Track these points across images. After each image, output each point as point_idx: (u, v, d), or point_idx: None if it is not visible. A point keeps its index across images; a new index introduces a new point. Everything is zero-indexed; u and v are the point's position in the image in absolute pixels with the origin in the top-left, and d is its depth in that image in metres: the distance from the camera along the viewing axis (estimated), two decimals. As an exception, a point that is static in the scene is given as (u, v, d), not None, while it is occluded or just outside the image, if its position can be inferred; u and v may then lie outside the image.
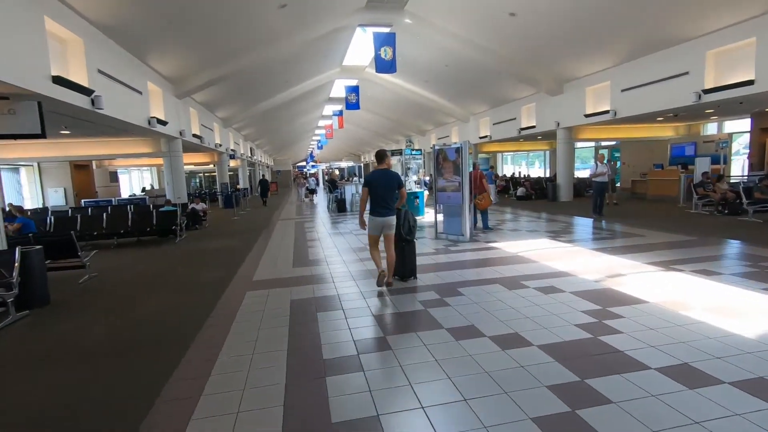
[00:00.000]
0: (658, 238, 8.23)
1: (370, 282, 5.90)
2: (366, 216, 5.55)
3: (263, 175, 19.31)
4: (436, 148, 9.08)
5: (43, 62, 6.65)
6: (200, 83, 13.84)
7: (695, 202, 12.18)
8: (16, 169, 16.82)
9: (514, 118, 20.07)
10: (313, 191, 24.58)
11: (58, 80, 6.90)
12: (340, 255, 7.96)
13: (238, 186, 29.84)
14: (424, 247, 8.25)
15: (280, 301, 5.20)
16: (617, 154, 22.31)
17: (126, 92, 9.86)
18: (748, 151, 16.38)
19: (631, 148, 21.45)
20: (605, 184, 11.84)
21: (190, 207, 13.72)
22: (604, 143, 24.11)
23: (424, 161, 13.15)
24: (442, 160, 8.95)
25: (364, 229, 5.56)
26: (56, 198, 17.23)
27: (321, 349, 3.69)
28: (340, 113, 29.88)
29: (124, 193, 23.00)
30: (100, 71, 8.48)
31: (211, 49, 12.17)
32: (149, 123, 11.23)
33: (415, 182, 13.06)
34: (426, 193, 13.60)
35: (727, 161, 15.80)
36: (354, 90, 22.47)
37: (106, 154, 14.68)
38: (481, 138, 23.79)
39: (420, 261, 7.00)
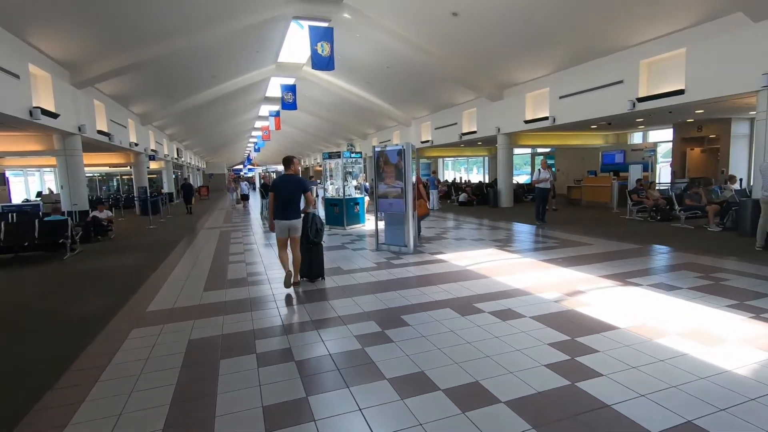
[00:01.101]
0: (605, 247, 7.96)
1: (295, 311, 4.85)
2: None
3: (186, 179, 17.16)
4: (377, 150, 8.21)
5: None
6: (104, 71, 11.88)
7: (630, 208, 12.41)
8: None
9: (455, 123, 19.87)
10: (245, 197, 22.58)
11: None
12: (266, 272, 6.79)
13: (162, 190, 27.08)
14: (364, 261, 7.31)
15: (174, 342, 3.98)
16: (551, 161, 22.98)
17: (-4, 74, 7.94)
18: (669, 159, 17.36)
19: (565, 155, 22.16)
20: (548, 190, 11.68)
21: (91, 215, 11.69)
22: (539, 150, 24.82)
23: (365, 165, 12.21)
24: (383, 163, 8.09)
25: (274, 232, 5.76)
26: None
27: (214, 425, 2.60)
28: (277, 114, 28.22)
29: (18, 198, 19.74)
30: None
31: (115, 31, 10.38)
32: (31, 114, 9.24)
33: (355, 188, 12.11)
34: (367, 199, 12.71)
35: (653, 169, 16.59)
36: (291, 89, 21.14)
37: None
38: (423, 143, 23.44)
39: (359, 278, 6.10)
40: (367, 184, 13.10)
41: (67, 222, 9.17)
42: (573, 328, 3.96)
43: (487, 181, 26.15)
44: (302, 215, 5.78)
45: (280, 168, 27.57)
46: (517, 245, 8.62)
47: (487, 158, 29.43)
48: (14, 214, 11.45)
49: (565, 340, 3.71)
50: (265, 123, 34.00)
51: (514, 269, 6.42)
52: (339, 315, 4.58)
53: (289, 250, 5.82)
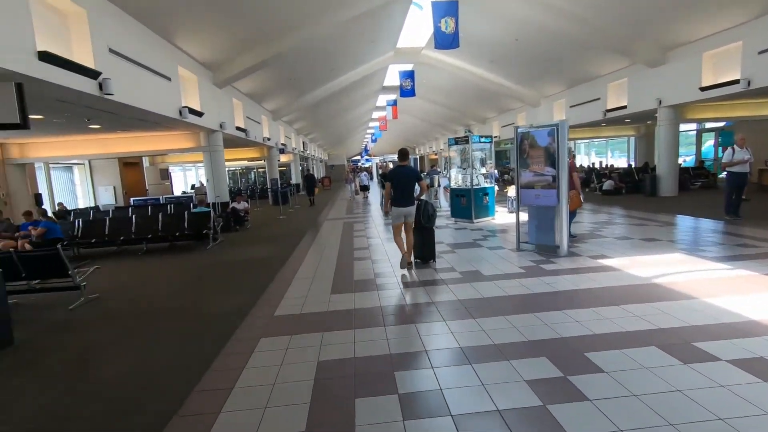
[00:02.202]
0: None
1: (437, 332, 3.96)
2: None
3: (309, 170, 17.59)
4: (520, 131, 6.87)
5: (25, 35, 5.36)
6: (239, 70, 12.52)
7: None
8: (69, 168, 16.81)
9: (598, 99, 16.99)
10: (365, 188, 21.92)
11: (47, 57, 5.60)
12: (395, 272, 6.07)
13: (290, 181, 29.03)
14: (506, 264, 6.12)
15: (302, 362, 3.40)
16: (728, 138, 18.38)
17: (149, 77, 8.61)
18: None
19: (752, 130, 17.47)
20: (745, 176, 8.88)
21: (231, 206, 12.51)
22: (709, 125, 20.16)
23: (492, 151, 10.86)
24: (529, 147, 6.73)
25: (387, 217, 6.45)
26: (106, 196, 17.04)
27: None
28: (394, 103, 28.01)
29: (178, 191, 22.78)
30: (112, 51, 7.20)
31: (246, 30, 10.72)
32: (180, 114, 10.00)
33: (483, 176, 10.83)
34: (495, 188, 11.33)
35: None
36: (409, 75, 20.47)
37: (146, 150, 13.97)
38: (554, 124, 20.77)
39: (507, 288, 4.99)
40: (495, 171, 11.67)
41: (210, 214, 9.72)
42: None
43: (633, 165, 22.21)
44: (416, 202, 6.21)
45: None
46: (712, 249, 6.50)
47: (633, 139, 25.10)
48: (172, 206, 12.85)
49: None
50: (383, 113, 34.21)
51: (730, 287, 4.61)
52: (495, 343, 3.54)
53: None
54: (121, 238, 9.22)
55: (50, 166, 14.72)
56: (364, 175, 22.82)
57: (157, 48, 9.04)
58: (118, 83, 7.12)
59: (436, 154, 47.43)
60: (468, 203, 10.45)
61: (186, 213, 9.86)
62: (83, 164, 16.85)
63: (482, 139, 10.60)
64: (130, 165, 18.24)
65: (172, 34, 9.47)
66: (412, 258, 6.30)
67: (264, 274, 6.56)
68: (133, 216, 9.86)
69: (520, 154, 6.88)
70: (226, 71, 12.53)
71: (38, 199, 13.39)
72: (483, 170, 10.86)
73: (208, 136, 12.87)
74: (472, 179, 10.36)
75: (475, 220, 10.39)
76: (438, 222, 11.11)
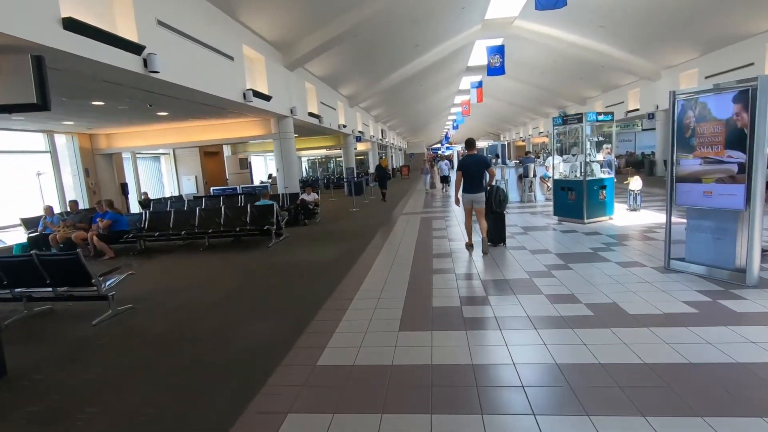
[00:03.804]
0: None
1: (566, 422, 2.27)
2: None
3: (382, 158, 15.62)
4: (681, 101, 4.70)
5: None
6: (311, 48, 11.45)
7: None
8: (157, 158, 17.41)
9: (752, 64, 13.25)
10: (446, 178, 18.42)
11: (73, 25, 4.76)
12: (488, 298, 4.40)
13: (368, 171, 28.16)
14: (658, 296, 4.11)
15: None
16: None
17: (208, 56, 7.77)
18: None
19: None
20: None
21: (300, 198, 11.62)
22: None
23: (614, 132, 8.51)
24: (695, 119, 4.56)
25: (459, 206, 6.64)
26: (189, 186, 17.40)
27: None
28: (479, 84, 25.60)
29: (258, 181, 22.96)
30: (160, 23, 6.35)
31: (317, 2, 9.51)
32: (245, 97, 9.14)
33: (600, 165, 8.52)
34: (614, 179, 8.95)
35: None
36: (498, 51, 18.07)
37: (218, 138, 13.67)
38: (680, 100, 17.03)
39: (676, 339, 2.99)
40: (612, 157, 9.23)
41: (273, 207, 8.78)
42: None
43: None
44: (487, 188, 6.40)
45: (481, 144, 24.57)
46: None
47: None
48: (243, 196, 12.32)
49: None
50: (465, 97, 31.81)
51: None
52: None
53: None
54: (183, 232, 8.64)
55: (137, 156, 15.21)
56: (444, 163, 19.60)
57: (217, 23, 8.18)
58: (166, 60, 6.27)
59: (523, 141, 43.63)
60: (578, 199, 8.28)
61: (249, 206, 9.03)
62: (168, 154, 17.36)
63: (600, 117, 8.27)
64: (210, 155, 18.51)
65: (236, 8, 8.56)
66: (487, 245, 6.41)
67: (321, 286, 5.28)
68: (197, 209, 9.28)
69: (679, 132, 4.73)
70: (297, 51, 11.55)
71: (124, 188, 13.79)
72: (599, 156, 8.55)
73: (278, 122, 12.06)
74: (585, 168, 8.15)
75: (587, 221, 8.21)
76: (537, 221, 9.11)
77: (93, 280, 4.53)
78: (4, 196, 11.03)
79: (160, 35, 6.34)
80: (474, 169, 6.25)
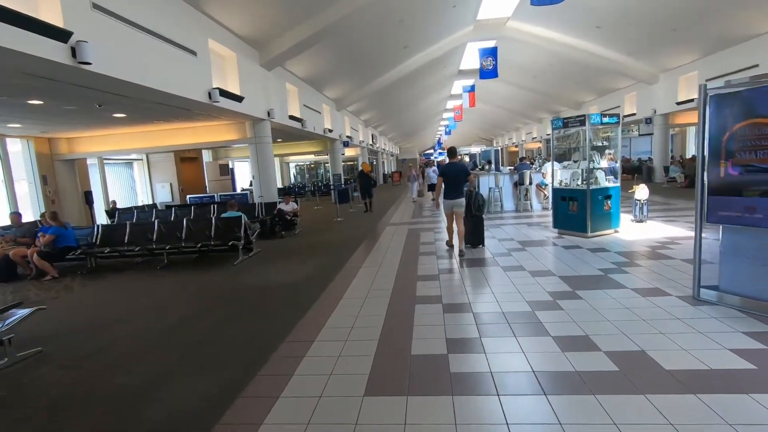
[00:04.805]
0: None
1: None
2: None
3: (362, 166, 14.47)
4: (715, 90, 3.86)
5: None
6: (289, 46, 10.56)
7: None
8: (129, 164, 16.36)
9: (756, 65, 12.59)
10: (434, 186, 17.20)
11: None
12: (482, 339, 3.49)
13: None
14: (695, 340, 3.23)
15: None
16: None
17: (162, 49, 6.83)
18: None
19: None
20: None
21: (277, 208, 10.66)
22: None
23: (618, 135, 7.67)
24: (734, 118, 3.71)
25: (438, 210, 8.11)
26: (163, 194, 16.36)
27: None
28: (472, 88, 24.88)
29: (240, 188, 21.94)
30: (96, 6, 5.40)
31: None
32: (210, 97, 8.20)
33: (602, 171, 7.68)
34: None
35: None
36: (491, 53, 17.38)
37: (191, 143, 12.65)
38: (678, 104, 16.43)
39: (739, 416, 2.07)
40: (616, 164, 8.39)
41: (241, 219, 7.83)
42: None
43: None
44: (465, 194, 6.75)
45: (474, 150, 23.73)
46: None
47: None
48: (215, 205, 11.34)
49: None
50: (458, 102, 31.10)
51: None
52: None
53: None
54: (137, 248, 7.63)
55: (105, 162, 14.16)
56: (432, 170, 18.70)
57: (176, 12, 7.26)
58: (104, 51, 5.33)
59: (516, 146, 43.05)
60: (581, 210, 7.43)
61: (213, 219, 8.06)
62: (141, 160, 16.32)
63: (605, 120, 7.44)
64: (187, 160, 17.49)
65: (199, -3, 7.65)
66: (463, 246, 6.82)
67: (280, 319, 4.35)
68: (155, 221, 8.28)
69: (712, 134, 3.87)
70: (274, 49, 10.65)
71: (88, 197, 12.72)
72: (603, 162, 7.72)
73: (254, 125, 11.13)
74: (588, 175, 7.31)
75: (591, 234, 7.36)
76: (535, 234, 8.24)
77: (-21, 322, 3.54)
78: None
79: (96, 21, 5.39)
80: (455, 176, 6.61)
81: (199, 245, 7.50)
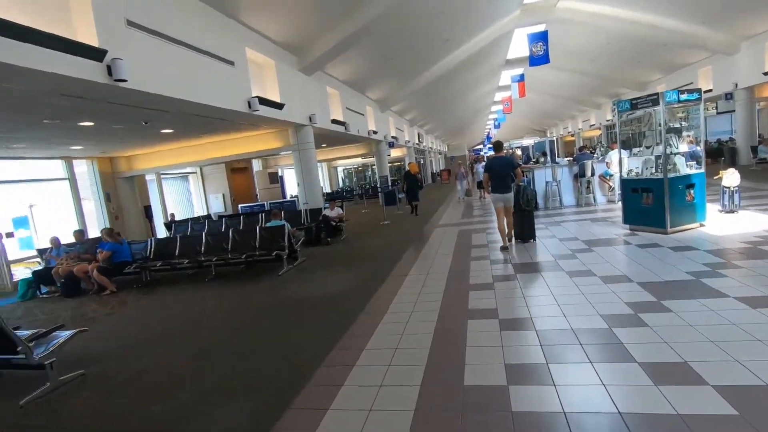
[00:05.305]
0: None
1: None
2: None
3: (409, 167, 13.50)
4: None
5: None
6: (328, 48, 10.37)
7: None
8: (185, 177, 17.09)
9: None
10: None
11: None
12: (549, 366, 2.91)
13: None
14: None
15: None
16: None
17: (199, 60, 6.80)
18: None
19: None
20: None
21: (322, 214, 10.49)
22: None
23: (702, 115, 6.60)
24: None
25: (485, 200, 7.84)
26: (217, 204, 16.89)
27: None
28: (521, 78, 23.59)
29: (289, 195, 22.26)
30: (130, 23, 5.41)
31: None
32: (250, 106, 8.14)
33: (681, 157, 6.65)
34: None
35: None
36: (541, 38, 16.29)
37: (236, 154, 12.83)
38: (765, 74, 14.38)
39: None
40: (698, 147, 7.26)
41: (284, 228, 7.67)
42: None
43: None
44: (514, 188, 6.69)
45: (526, 142, 22.51)
46: None
47: None
48: (263, 214, 11.39)
49: None
50: (506, 93, 29.72)
51: None
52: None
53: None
54: (186, 261, 7.71)
55: (162, 177, 14.84)
56: (481, 166, 17.43)
57: (210, 23, 7.23)
58: (140, 67, 5.31)
59: (573, 135, 40.57)
60: (657, 202, 6.48)
61: (257, 228, 7.98)
62: (195, 173, 16.98)
63: (683, 97, 6.42)
64: (238, 171, 17.97)
65: (233, 6, 7.59)
66: (513, 240, 7.03)
67: (321, 337, 4.02)
68: (203, 233, 8.37)
69: None
70: (312, 53, 10.51)
71: (148, 211, 13.33)
72: (683, 146, 6.69)
73: (296, 132, 11.05)
74: (665, 162, 6.35)
75: (671, 230, 6.39)
76: (602, 232, 7.35)
77: (19, 348, 3.50)
78: (35, 225, 10.80)
79: (131, 37, 5.40)
80: (501, 170, 6.57)
81: (244, 256, 7.42)
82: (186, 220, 12.33)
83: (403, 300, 4.94)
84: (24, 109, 6.20)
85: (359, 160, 31.87)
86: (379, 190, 19.09)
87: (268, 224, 8.29)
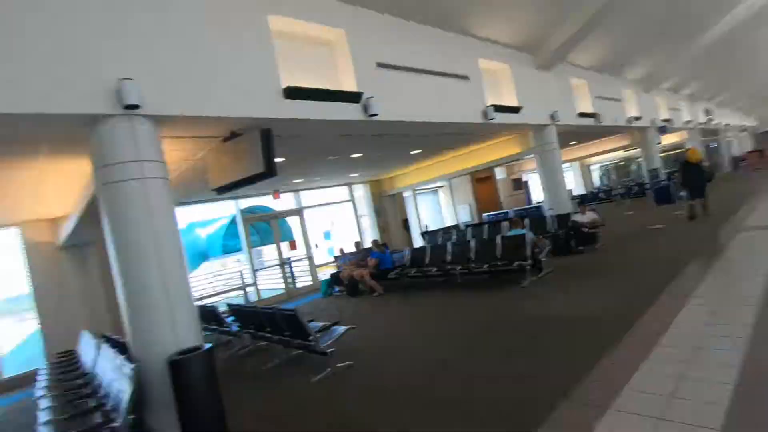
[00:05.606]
0: None
1: None
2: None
3: (688, 154, 9.93)
4: None
5: (268, 74, 5.04)
6: (566, 37, 9.37)
7: None
8: (435, 191, 18.64)
9: None
10: None
11: (293, 92, 5.10)
12: None
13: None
14: None
15: None
16: None
17: (435, 82, 7.26)
18: None
19: None
20: None
21: (571, 220, 9.46)
22: None
23: None
24: None
25: None
26: (464, 214, 17.62)
27: None
28: None
29: (536, 200, 21.19)
30: (379, 64, 6.28)
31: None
32: (485, 115, 8.16)
33: None
34: None
35: None
36: None
37: (478, 164, 12.93)
38: None
39: None
40: None
41: (525, 238, 7.26)
42: None
43: None
44: None
45: None
46: None
47: None
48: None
49: None
50: None
51: None
52: None
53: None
54: (435, 269, 8.32)
55: (416, 192, 16.70)
56: None
57: (443, 45, 7.62)
58: (386, 100, 6.12)
59: None
60: None
61: (499, 238, 7.82)
62: (444, 186, 18.30)
63: None
64: (481, 180, 18.32)
65: (463, 22, 7.83)
66: None
67: (561, 367, 3.53)
68: (447, 243, 8.84)
69: None
70: (549, 46, 9.71)
71: (406, 224, 15.19)
72: None
73: (536, 134, 10.38)
74: None
75: None
76: None
77: (310, 337, 4.51)
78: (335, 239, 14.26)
79: (379, 77, 6.28)
80: None
81: (486, 266, 7.42)
82: (437, 231, 13.43)
83: (683, 330, 3.80)
84: (315, 152, 8.20)
85: (620, 153, 27.31)
86: (647, 186, 15.81)
87: (509, 233, 8.04)
